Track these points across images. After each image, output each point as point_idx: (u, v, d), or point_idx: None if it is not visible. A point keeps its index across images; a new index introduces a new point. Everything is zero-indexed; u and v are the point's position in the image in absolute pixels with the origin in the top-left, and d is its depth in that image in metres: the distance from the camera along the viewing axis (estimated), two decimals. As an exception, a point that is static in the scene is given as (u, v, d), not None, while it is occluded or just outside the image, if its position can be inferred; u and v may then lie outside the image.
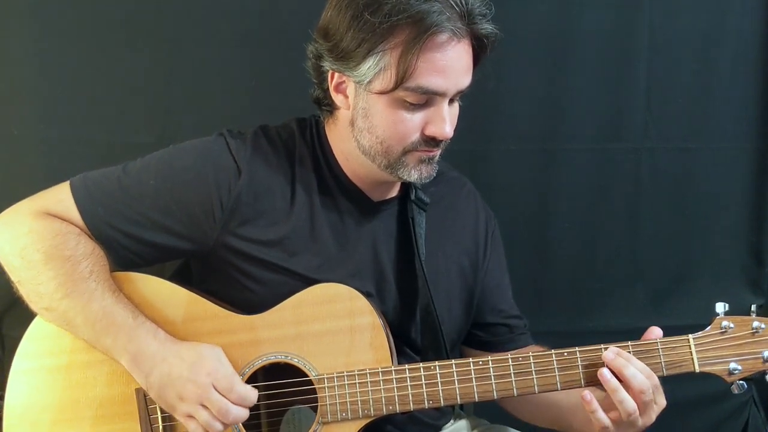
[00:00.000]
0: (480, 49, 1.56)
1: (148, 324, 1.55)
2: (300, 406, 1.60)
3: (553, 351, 1.52)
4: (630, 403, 1.45)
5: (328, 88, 1.61)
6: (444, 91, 1.51)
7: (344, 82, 1.58)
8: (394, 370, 1.55)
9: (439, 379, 1.53)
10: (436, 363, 1.54)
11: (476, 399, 1.53)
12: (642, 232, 2.54)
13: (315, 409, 1.56)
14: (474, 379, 1.53)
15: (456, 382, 1.53)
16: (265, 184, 1.63)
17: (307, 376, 1.56)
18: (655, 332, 1.53)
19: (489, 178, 2.39)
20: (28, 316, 1.61)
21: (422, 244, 1.71)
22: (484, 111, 2.37)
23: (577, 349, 1.52)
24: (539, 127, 2.46)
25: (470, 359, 1.54)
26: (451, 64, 1.50)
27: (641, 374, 1.46)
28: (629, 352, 1.50)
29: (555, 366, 1.52)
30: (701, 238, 2.57)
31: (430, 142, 1.56)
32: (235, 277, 1.63)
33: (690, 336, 1.51)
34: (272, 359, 1.57)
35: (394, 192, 1.73)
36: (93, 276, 1.56)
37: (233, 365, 1.55)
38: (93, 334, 1.55)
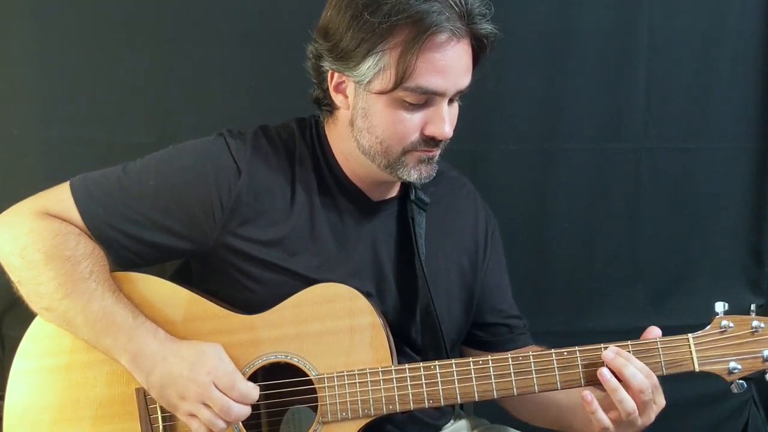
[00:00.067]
0: (479, 49, 1.56)
1: (148, 324, 1.55)
2: (300, 405, 1.60)
3: (553, 350, 1.52)
4: (629, 403, 1.45)
5: (327, 88, 1.61)
6: (443, 91, 1.51)
7: (344, 82, 1.58)
8: (394, 369, 1.55)
9: (439, 379, 1.53)
10: (436, 362, 1.54)
11: (476, 398, 1.53)
12: (641, 232, 2.53)
13: (315, 408, 1.56)
14: (474, 379, 1.53)
15: (456, 381, 1.53)
16: (265, 184, 1.63)
17: (307, 376, 1.56)
18: (654, 332, 1.53)
19: (488, 178, 2.39)
20: (28, 316, 1.61)
21: (422, 243, 1.71)
22: (484, 111, 2.37)
23: (576, 348, 1.52)
24: (539, 127, 2.46)
25: (470, 359, 1.54)
26: (450, 64, 1.50)
27: (641, 374, 1.46)
28: (629, 351, 1.50)
29: (555, 365, 1.52)
30: (701, 238, 2.57)
31: (430, 142, 1.56)
32: (235, 277, 1.63)
33: (690, 335, 1.51)
34: (272, 359, 1.57)
35: (394, 192, 1.73)
36: (93, 276, 1.56)
37: (233, 364, 1.55)
38: (93, 334, 1.55)
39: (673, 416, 2.61)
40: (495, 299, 1.84)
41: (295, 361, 1.57)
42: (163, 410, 1.57)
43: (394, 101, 1.52)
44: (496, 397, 1.53)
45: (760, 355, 1.50)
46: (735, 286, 2.57)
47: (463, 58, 1.52)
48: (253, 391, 1.52)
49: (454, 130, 1.57)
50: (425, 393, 1.54)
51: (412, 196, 1.72)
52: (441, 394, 1.53)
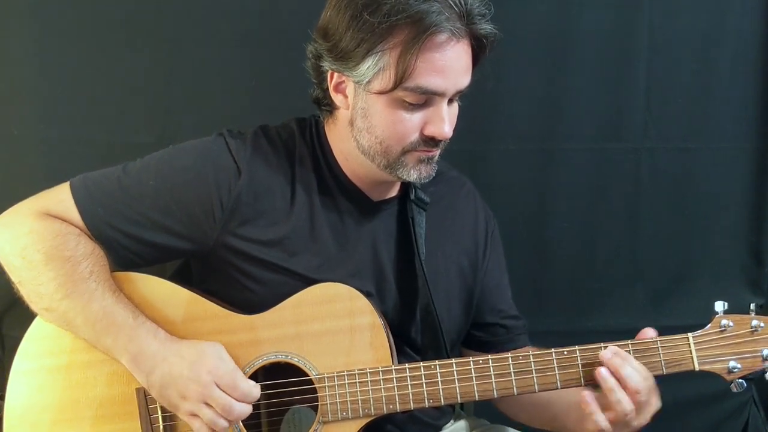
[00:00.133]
0: (479, 49, 1.56)
1: (149, 324, 1.55)
2: (300, 405, 1.60)
3: (553, 350, 1.52)
4: (626, 403, 1.45)
5: (327, 88, 1.61)
6: (443, 91, 1.51)
7: (343, 82, 1.58)
8: (395, 369, 1.55)
9: (439, 378, 1.53)
10: (437, 362, 1.54)
11: (476, 398, 1.54)
12: (642, 232, 2.53)
13: (315, 408, 1.56)
14: (474, 378, 1.53)
15: (456, 381, 1.53)
16: (265, 184, 1.63)
17: (308, 376, 1.56)
18: (649, 333, 1.53)
19: (488, 178, 2.39)
20: (28, 316, 1.61)
21: (422, 243, 1.71)
22: (484, 111, 2.37)
23: (576, 348, 1.52)
24: (538, 127, 2.46)
25: (470, 358, 1.54)
26: (450, 64, 1.50)
27: (638, 374, 1.46)
28: (629, 351, 1.50)
29: (555, 365, 1.52)
30: (701, 238, 2.57)
31: (430, 142, 1.56)
32: (235, 277, 1.63)
33: (689, 335, 1.51)
34: (272, 359, 1.57)
35: (394, 192, 1.73)
36: (93, 276, 1.56)
37: (234, 363, 1.55)
38: (93, 334, 1.55)
39: (673, 416, 2.62)
40: (494, 299, 1.84)
41: (295, 361, 1.57)
42: (163, 410, 1.57)
43: (394, 101, 1.52)
44: (496, 396, 1.53)
45: (759, 354, 1.50)
46: (735, 286, 2.57)
47: (462, 58, 1.52)
48: (255, 389, 1.52)
49: (454, 130, 1.57)
50: (425, 393, 1.54)
51: (412, 196, 1.72)
52: (441, 393, 1.53)
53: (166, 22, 2.29)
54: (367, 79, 1.52)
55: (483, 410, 1.98)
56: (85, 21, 2.27)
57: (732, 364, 1.50)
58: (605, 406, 1.47)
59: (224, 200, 1.60)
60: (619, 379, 1.46)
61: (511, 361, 1.53)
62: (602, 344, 1.51)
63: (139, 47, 2.29)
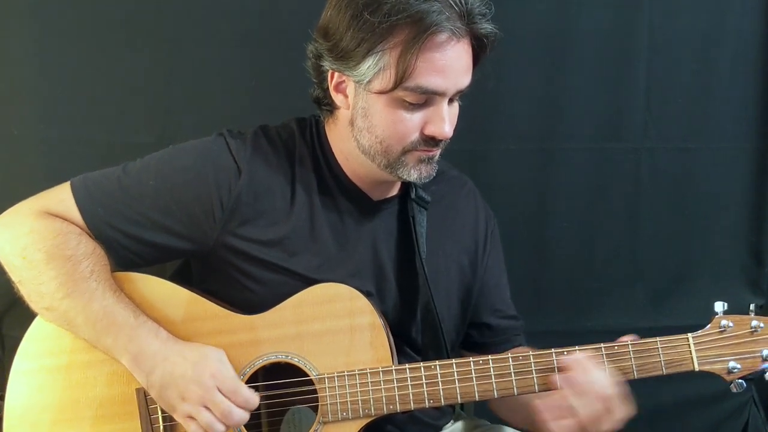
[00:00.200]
0: (480, 48, 1.56)
1: (150, 323, 1.55)
2: (300, 405, 1.60)
3: (552, 350, 1.52)
4: (586, 409, 1.44)
5: (327, 88, 1.61)
6: (443, 90, 1.51)
7: (344, 81, 1.58)
8: (395, 369, 1.55)
9: (439, 379, 1.53)
10: (437, 362, 1.54)
11: (477, 398, 1.54)
12: (641, 231, 2.53)
13: (315, 408, 1.56)
14: (474, 379, 1.53)
15: (457, 381, 1.53)
16: (265, 184, 1.63)
17: (308, 376, 1.56)
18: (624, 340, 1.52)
19: (488, 177, 2.39)
20: (28, 316, 1.61)
21: (423, 242, 1.71)
22: (484, 111, 2.37)
23: (576, 348, 1.52)
24: (538, 127, 2.46)
25: (471, 358, 1.54)
26: (450, 64, 1.50)
27: (599, 383, 1.45)
28: (629, 351, 1.50)
29: (555, 365, 1.52)
30: (701, 238, 2.57)
31: (430, 141, 1.56)
32: (235, 277, 1.63)
33: (689, 335, 1.52)
34: (273, 359, 1.57)
35: (395, 191, 1.73)
36: (94, 276, 1.56)
37: (234, 365, 1.55)
38: (94, 334, 1.55)
39: (673, 416, 2.62)
40: (493, 298, 1.84)
41: (295, 361, 1.57)
42: (163, 410, 1.57)
43: (394, 101, 1.52)
44: (496, 396, 1.53)
45: (759, 354, 1.50)
46: (735, 286, 2.57)
47: (463, 57, 1.52)
48: (255, 397, 1.52)
49: (454, 130, 1.57)
50: (426, 393, 1.54)
51: (413, 195, 1.72)
52: (441, 394, 1.53)
53: (166, 22, 2.29)
54: (367, 79, 1.52)
55: (483, 410, 1.98)
56: (85, 21, 2.26)
57: (732, 364, 1.50)
58: (565, 411, 1.46)
59: (224, 200, 1.60)
60: (582, 386, 1.45)
61: (511, 362, 1.53)
62: (602, 344, 1.51)
63: (139, 47, 2.28)
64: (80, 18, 2.26)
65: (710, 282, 2.56)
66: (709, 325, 1.52)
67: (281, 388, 1.59)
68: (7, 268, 1.59)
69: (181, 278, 1.70)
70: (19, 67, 2.27)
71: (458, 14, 1.48)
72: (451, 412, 1.90)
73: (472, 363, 1.53)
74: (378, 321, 1.58)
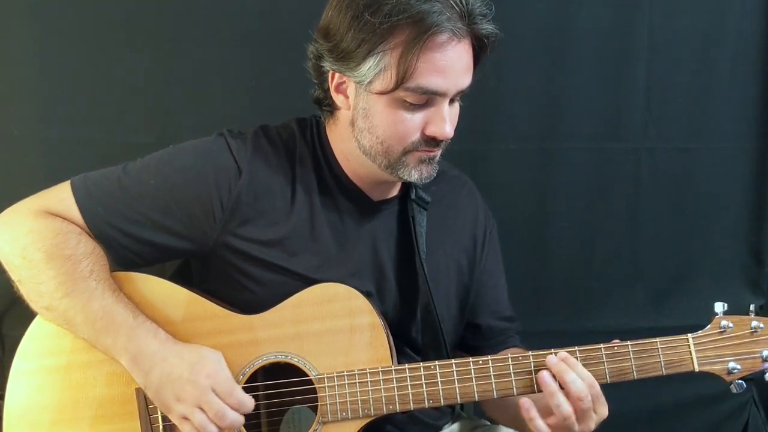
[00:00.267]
0: (480, 49, 1.56)
1: (149, 324, 1.55)
2: (300, 405, 1.60)
3: (552, 350, 1.52)
4: (566, 408, 1.45)
5: (328, 89, 1.61)
6: (444, 91, 1.51)
7: (345, 82, 1.58)
8: (394, 369, 1.55)
9: (439, 379, 1.53)
10: (436, 362, 1.54)
11: (476, 398, 1.54)
12: (642, 231, 2.54)
13: (315, 408, 1.56)
14: (474, 379, 1.53)
15: (456, 381, 1.53)
16: (266, 184, 1.63)
17: (307, 376, 1.56)
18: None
19: (489, 177, 2.39)
20: (28, 315, 1.61)
21: (423, 242, 1.71)
22: (484, 111, 2.37)
23: (576, 348, 1.52)
24: (538, 127, 2.46)
25: (470, 358, 1.54)
26: (451, 64, 1.50)
27: (581, 381, 1.46)
28: (629, 351, 1.50)
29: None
30: (701, 238, 2.57)
31: (431, 142, 1.56)
32: (235, 277, 1.63)
33: (689, 335, 1.52)
34: (272, 359, 1.57)
35: (395, 191, 1.73)
36: (93, 275, 1.56)
37: (233, 365, 1.55)
38: (93, 333, 1.55)
39: (673, 416, 2.62)
40: (489, 299, 1.85)
41: (295, 361, 1.57)
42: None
43: (395, 101, 1.52)
44: (496, 396, 1.53)
45: (759, 355, 1.50)
46: (735, 286, 2.58)
47: (463, 58, 1.52)
48: (249, 401, 1.52)
49: (455, 130, 1.58)
50: (425, 393, 1.53)
51: (413, 195, 1.72)
52: (441, 394, 1.53)
53: (166, 22, 2.29)
54: (368, 80, 1.52)
55: (483, 411, 1.98)
56: (85, 21, 2.26)
57: (732, 365, 1.50)
58: (547, 410, 1.47)
59: (224, 200, 1.60)
60: (562, 384, 1.46)
61: (510, 362, 1.53)
62: (602, 345, 1.51)
63: (139, 47, 2.29)
64: (80, 18, 2.26)
65: (710, 282, 2.56)
66: (709, 326, 1.52)
67: (281, 388, 1.59)
68: (6, 268, 1.59)
69: (181, 278, 1.70)
70: (19, 67, 2.27)
71: (459, 15, 1.48)
72: (451, 412, 1.90)
73: (471, 363, 1.53)
74: (377, 321, 1.58)
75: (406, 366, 1.55)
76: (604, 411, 1.50)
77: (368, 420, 1.55)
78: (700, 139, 2.51)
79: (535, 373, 1.51)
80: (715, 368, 1.51)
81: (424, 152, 1.58)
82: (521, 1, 2.36)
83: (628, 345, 1.51)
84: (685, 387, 2.52)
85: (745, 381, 1.51)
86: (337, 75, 1.58)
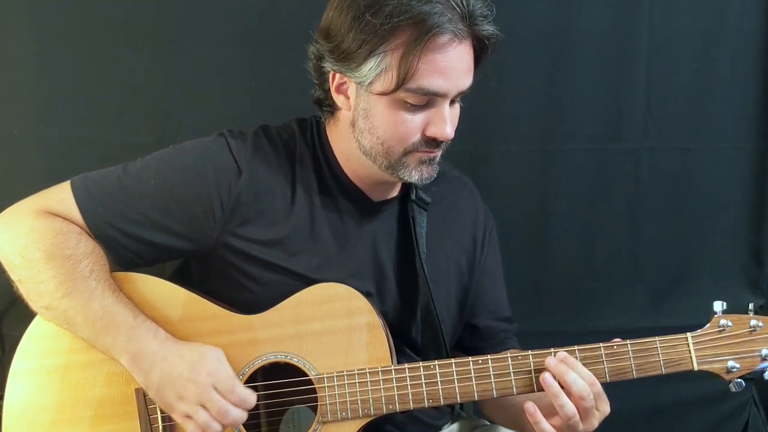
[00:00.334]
0: (481, 50, 1.56)
1: (149, 323, 1.55)
2: (300, 405, 1.60)
3: (552, 349, 1.52)
4: (570, 408, 1.46)
5: (329, 89, 1.61)
6: (445, 92, 1.51)
7: (345, 83, 1.58)
8: (394, 369, 1.55)
9: (438, 379, 1.53)
10: (436, 362, 1.54)
11: (476, 398, 1.54)
12: (642, 232, 2.54)
13: (315, 408, 1.56)
14: (474, 378, 1.53)
15: (456, 381, 1.53)
16: (266, 184, 1.63)
17: (307, 376, 1.56)
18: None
19: (490, 178, 2.39)
20: (28, 315, 1.61)
21: (423, 243, 1.71)
22: (485, 112, 2.37)
23: (576, 347, 1.52)
24: (539, 128, 2.46)
25: (470, 358, 1.54)
26: (452, 66, 1.50)
27: (582, 380, 1.47)
28: (628, 351, 1.50)
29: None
30: (701, 238, 2.57)
31: (431, 143, 1.56)
32: (235, 277, 1.63)
33: (688, 334, 1.52)
34: (272, 359, 1.58)
35: (395, 192, 1.73)
36: (93, 275, 1.56)
37: (233, 365, 1.55)
38: (93, 333, 1.55)
39: (673, 416, 2.62)
40: (488, 300, 1.85)
41: (294, 361, 1.57)
42: (162, 410, 1.57)
43: (396, 102, 1.52)
44: (495, 396, 1.53)
45: (758, 353, 1.50)
46: (735, 286, 2.58)
47: (464, 59, 1.52)
48: (251, 396, 1.52)
49: (456, 131, 1.58)
50: (425, 393, 1.54)
51: (413, 196, 1.72)
52: (441, 393, 1.53)
53: (166, 22, 2.29)
54: (369, 80, 1.52)
55: (481, 412, 1.98)
56: (85, 21, 2.26)
57: (731, 363, 1.50)
58: (552, 411, 1.48)
59: (224, 200, 1.60)
60: (564, 385, 1.47)
61: (510, 361, 1.53)
62: (601, 344, 1.51)
63: (139, 47, 2.28)
64: (80, 18, 2.26)
65: (710, 282, 2.56)
66: (708, 325, 1.52)
67: (280, 388, 1.59)
68: (6, 267, 1.59)
69: (181, 278, 1.70)
70: (19, 67, 2.27)
71: (460, 16, 1.48)
72: (450, 412, 1.90)
73: (471, 363, 1.53)
74: (377, 321, 1.58)
75: (406, 366, 1.55)
76: (606, 408, 1.50)
77: (368, 420, 1.55)
78: (700, 139, 2.51)
79: (535, 373, 1.52)
80: (714, 367, 1.51)
81: (425, 153, 1.58)
82: (522, 2, 2.35)
83: (627, 344, 1.51)
84: (685, 386, 2.52)
85: (744, 381, 1.51)
86: (337, 75, 1.58)
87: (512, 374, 1.52)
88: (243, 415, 1.51)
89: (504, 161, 2.46)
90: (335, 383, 1.55)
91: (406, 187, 1.73)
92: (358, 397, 1.54)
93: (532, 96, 2.45)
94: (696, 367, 1.51)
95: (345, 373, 1.55)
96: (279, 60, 2.25)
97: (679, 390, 2.54)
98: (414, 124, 1.54)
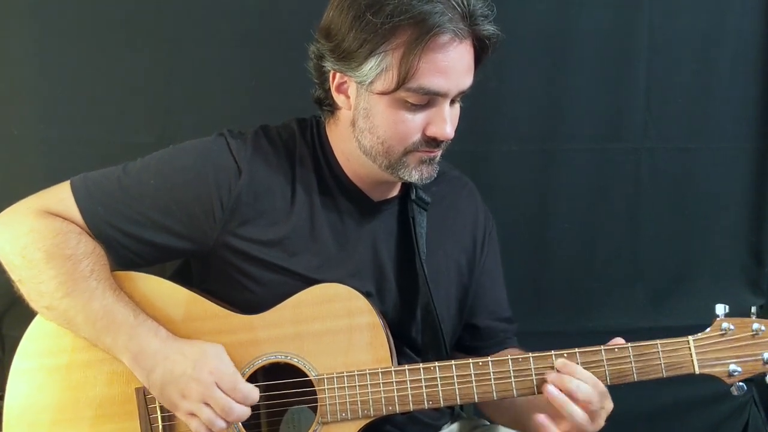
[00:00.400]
0: (481, 49, 1.56)
1: (149, 322, 1.55)
2: (300, 406, 1.60)
3: (552, 352, 1.52)
4: (578, 414, 1.46)
5: (329, 89, 1.61)
6: (445, 91, 1.51)
7: (346, 82, 1.58)
8: (394, 370, 1.54)
9: (438, 380, 1.53)
10: (436, 364, 1.54)
11: (476, 399, 1.53)
12: (642, 232, 2.54)
13: (315, 409, 1.56)
14: (474, 380, 1.53)
15: (456, 383, 1.53)
16: (266, 184, 1.63)
17: (307, 376, 1.56)
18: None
19: (490, 178, 2.39)
20: (28, 315, 1.61)
21: (423, 243, 1.71)
22: (485, 112, 2.37)
23: (576, 350, 1.51)
24: (539, 128, 2.46)
25: (470, 360, 1.54)
26: (452, 65, 1.50)
27: (585, 385, 1.47)
28: (629, 354, 1.50)
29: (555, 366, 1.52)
30: (701, 238, 2.57)
31: (431, 142, 1.56)
32: (236, 277, 1.63)
33: (690, 337, 1.51)
34: (272, 359, 1.57)
35: (395, 192, 1.73)
36: (94, 275, 1.56)
37: (233, 365, 1.55)
38: (94, 333, 1.55)
39: (673, 416, 2.62)
40: (488, 300, 1.85)
41: (294, 362, 1.56)
42: (162, 409, 1.57)
43: (396, 102, 1.52)
44: (495, 398, 1.53)
45: (760, 357, 1.49)
46: (735, 286, 2.58)
47: (465, 58, 1.52)
48: (254, 392, 1.52)
49: (456, 131, 1.58)
50: (425, 394, 1.53)
51: (413, 196, 1.72)
52: (440, 395, 1.53)
53: (166, 22, 2.29)
54: (369, 80, 1.52)
55: (481, 412, 1.98)
56: (85, 21, 2.26)
57: (732, 367, 1.49)
58: (558, 415, 1.48)
59: (224, 200, 1.60)
60: (568, 393, 1.47)
61: (510, 364, 1.52)
62: (602, 346, 1.51)
63: (139, 47, 2.28)
64: (80, 18, 2.26)
65: (710, 282, 2.57)
66: (709, 328, 1.52)
67: (280, 389, 1.59)
68: (7, 267, 1.59)
69: (181, 278, 1.70)
70: (19, 67, 2.27)
71: (461, 15, 1.48)
72: (450, 412, 1.90)
73: (471, 365, 1.53)
74: (377, 321, 1.58)
75: (406, 367, 1.54)
76: (610, 405, 1.51)
77: (368, 421, 1.55)
78: (700, 139, 2.51)
79: (536, 376, 1.51)
80: (716, 371, 1.51)
81: (425, 153, 1.58)
82: (522, 2, 2.36)
83: (628, 347, 1.51)
84: (685, 387, 2.52)
85: (745, 382, 1.51)
86: (338, 75, 1.58)
87: (512, 377, 1.52)
88: (247, 411, 1.51)
89: (504, 161, 2.46)
90: (335, 384, 1.55)
91: (406, 186, 1.73)
92: (358, 398, 1.54)
93: (532, 96, 2.45)
94: (697, 371, 1.51)
95: (345, 374, 1.55)
96: (279, 60, 2.25)
97: (679, 390, 2.54)
98: (414, 123, 1.54)
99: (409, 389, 1.53)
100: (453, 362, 1.54)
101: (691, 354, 1.51)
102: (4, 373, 1.62)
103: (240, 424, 1.55)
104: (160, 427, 1.58)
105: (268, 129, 1.70)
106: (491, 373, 1.52)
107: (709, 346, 1.51)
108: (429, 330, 1.69)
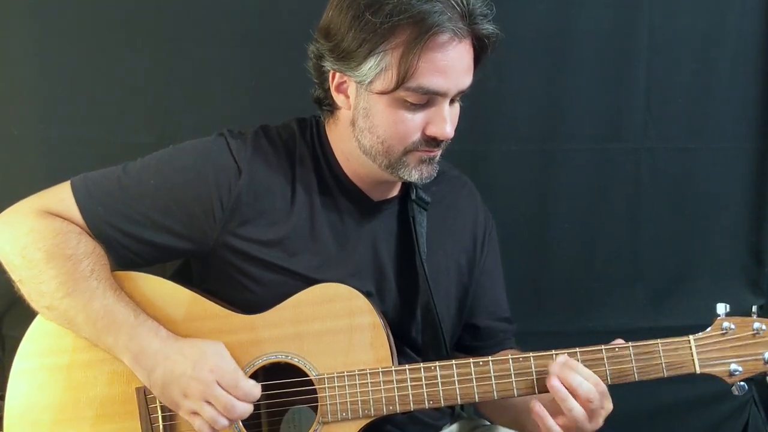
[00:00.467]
0: (481, 49, 1.56)
1: (150, 322, 1.55)
2: (300, 405, 1.60)
3: (553, 351, 1.52)
4: (578, 411, 1.46)
5: (329, 88, 1.61)
6: (445, 91, 1.51)
7: (345, 82, 1.58)
8: (395, 370, 1.55)
9: (439, 380, 1.53)
10: (437, 363, 1.54)
11: (477, 399, 1.53)
12: (642, 232, 2.54)
13: (315, 408, 1.56)
14: (474, 380, 1.53)
15: (456, 382, 1.53)
16: (266, 184, 1.63)
17: (308, 376, 1.56)
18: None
19: (490, 178, 2.39)
20: (28, 315, 1.61)
21: (423, 242, 1.71)
22: (485, 111, 2.37)
23: (577, 350, 1.52)
24: (539, 128, 2.46)
25: (471, 360, 1.54)
26: (452, 65, 1.50)
27: (587, 382, 1.47)
28: (630, 354, 1.50)
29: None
30: (701, 238, 2.57)
31: (431, 142, 1.56)
32: (236, 277, 1.63)
33: (690, 337, 1.51)
34: (273, 359, 1.57)
35: (395, 191, 1.73)
36: (94, 275, 1.56)
37: (234, 362, 1.55)
38: (94, 333, 1.55)
39: (673, 416, 2.62)
40: (487, 300, 1.85)
41: (295, 361, 1.57)
42: (163, 409, 1.57)
43: (396, 101, 1.52)
44: (496, 398, 1.53)
45: (761, 357, 1.49)
46: (735, 286, 2.58)
47: (464, 58, 1.52)
48: (255, 389, 1.52)
49: (456, 131, 1.58)
50: (425, 394, 1.53)
51: (413, 196, 1.72)
52: (441, 394, 1.53)
53: (166, 22, 2.29)
54: (369, 80, 1.52)
55: (480, 412, 1.98)
56: (85, 21, 2.26)
57: (733, 367, 1.49)
58: (557, 411, 1.48)
59: (224, 200, 1.60)
60: (569, 389, 1.46)
61: (511, 363, 1.53)
62: (602, 347, 1.51)
63: (139, 47, 2.28)
64: (80, 18, 2.26)
65: (710, 282, 2.56)
66: (710, 327, 1.52)
67: (281, 388, 1.59)
68: (7, 267, 1.59)
69: (181, 278, 1.70)
70: (19, 67, 2.27)
71: (460, 15, 1.48)
72: (450, 412, 1.90)
73: (472, 364, 1.53)
74: (378, 321, 1.58)
75: (407, 367, 1.54)
76: (610, 405, 1.51)
77: (368, 420, 1.55)
78: (700, 139, 2.51)
79: (536, 375, 1.51)
80: (717, 370, 1.51)
81: (425, 152, 1.58)
82: (522, 1, 2.35)
83: (629, 347, 1.51)
84: (685, 387, 2.52)
85: (745, 382, 1.51)
86: (337, 75, 1.58)
87: (513, 376, 1.52)
88: (249, 408, 1.51)
89: (504, 161, 2.46)
90: (336, 384, 1.55)
91: (406, 186, 1.73)
92: (359, 398, 1.54)
93: (532, 96, 2.45)
94: (698, 371, 1.50)
95: (345, 373, 1.55)
96: (279, 60, 2.25)
97: (679, 390, 2.54)
98: (414, 123, 1.54)
99: (409, 389, 1.53)
100: (454, 362, 1.54)
101: (692, 353, 1.51)
102: (4, 373, 1.62)
103: (240, 423, 1.55)
104: (161, 426, 1.58)
105: (268, 129, 1.70)
106: (492, 373, 1.52)
107: (710, 346, 1.51)
108: (429, 329, 1.69)
